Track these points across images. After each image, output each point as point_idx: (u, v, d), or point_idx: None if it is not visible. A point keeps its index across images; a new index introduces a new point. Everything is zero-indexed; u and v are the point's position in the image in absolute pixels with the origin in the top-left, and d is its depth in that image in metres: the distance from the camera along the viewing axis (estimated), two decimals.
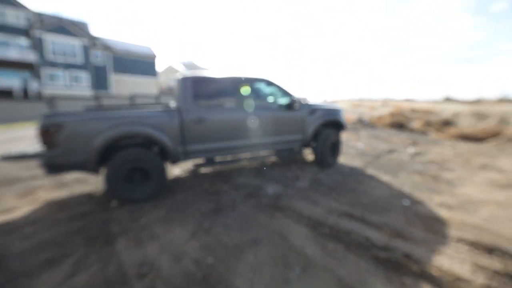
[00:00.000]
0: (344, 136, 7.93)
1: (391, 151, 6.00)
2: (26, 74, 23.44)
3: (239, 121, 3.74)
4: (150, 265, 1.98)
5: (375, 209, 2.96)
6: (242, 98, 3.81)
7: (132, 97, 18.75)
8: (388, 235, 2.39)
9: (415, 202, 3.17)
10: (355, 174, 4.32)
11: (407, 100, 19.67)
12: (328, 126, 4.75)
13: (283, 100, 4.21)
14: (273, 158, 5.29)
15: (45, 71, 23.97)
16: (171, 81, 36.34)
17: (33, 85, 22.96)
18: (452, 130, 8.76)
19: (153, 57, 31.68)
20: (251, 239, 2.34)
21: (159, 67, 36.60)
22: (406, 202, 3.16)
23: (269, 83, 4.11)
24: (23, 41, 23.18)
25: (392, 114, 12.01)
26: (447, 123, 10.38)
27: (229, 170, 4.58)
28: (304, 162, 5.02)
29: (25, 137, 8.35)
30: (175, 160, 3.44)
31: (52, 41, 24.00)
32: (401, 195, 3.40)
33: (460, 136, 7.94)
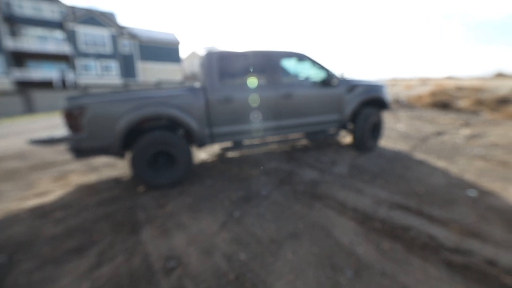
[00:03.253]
0: None
1: (439, 133, 5.24)
2: (63, 65, 24.90)
3: (269, 100, 3.36)
4: (177, 259, 1.78)
5: (434, 200, 2.48)
6: (272, 74, 3.39)
7: (157, 84, 19.12)
8: (459, 234, 1.93)
9: (484, 193, 2.61)
10: (401, 158, 3.77)
11: (449, 78, 17.48)
12: (369, 105, 4.19)
13: (318, 76, 3.72)
14: (305, 141, 4.88)
15: (79, 62, 25.24)
16: (194, 67, 36.49)
17: (70, 76, 24.41)
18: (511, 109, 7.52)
19: (177, 44, 31.73)
20: (289, 232, 2.04)
21: (183, 53, 36.87)
22: (472, 193, 2.61)
23: (302, 57, 3.63)
24: (58, 34, 24.41)
25: (434, 93, 10.70)
26: (504, 101, 8.96)
27: (258, 154, 4.28)
28: (340, 145, 4.54)
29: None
30: (201, 143, 3.21)
31: (84, 32, 24.97)
32: (464, 184, 2.84)
33: None
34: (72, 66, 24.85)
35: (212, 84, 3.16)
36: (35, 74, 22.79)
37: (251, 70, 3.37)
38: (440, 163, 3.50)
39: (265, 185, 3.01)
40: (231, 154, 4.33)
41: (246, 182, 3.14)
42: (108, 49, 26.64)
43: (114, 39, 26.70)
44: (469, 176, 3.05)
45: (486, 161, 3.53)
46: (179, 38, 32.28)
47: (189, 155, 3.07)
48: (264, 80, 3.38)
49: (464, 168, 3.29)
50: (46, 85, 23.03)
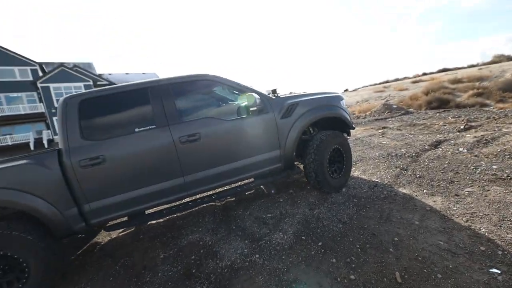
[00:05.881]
0: (363, 133, 5.98)
1: (436, 144, 3.99)
2: (40, 125, 24.06)
3: (163, 149, 2.33)
4: None
5: None
6: (163, 113, 2.39)
7: None
8: None
9: None
10: (377, 198, 2.55)
11: (444, 70, 16.29)
12: (322, 127, 3.11)
13: (237, 103, 2.70)
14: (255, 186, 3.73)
15: (55, 119, 24.98)
16: None
17: (46, 134, 23.43)
18: None
19: None
20: None
21: None
22: (499, 273, 1.37)
23: (211, 82, 2.64)
24: (32, 94, 23.42)
25: (428, 90, 9.53)
26: None
27: (189, 216, 3.14)
28: (302, 185, 3.37)
29: None
30: (67, 231, 2.13)
31: (57, 88, 23.34)
32: (484, 247, 1.60)
33: None
34: (48, 124, 23.88)
35: (70, 142, 2.16)
36: (12, 137, 22.02)
37: (132, 112, 2.41)
38: (434, 201, 2.26)
39: (160, 283, 1.86)
40: (153, 223, 3.21)
41: (140, 277, 2.00)
42: None
43: (89, 89, 25.62)
44: (487, 228, 1.79)
45: (510, 186, 2.27)
46: (160, 75, 32.71)
47: (45, 260, 1.97)
48: (157, 121, 2.37)
49: (475, 211, 2.03)
50: (24, 146, 22.09)
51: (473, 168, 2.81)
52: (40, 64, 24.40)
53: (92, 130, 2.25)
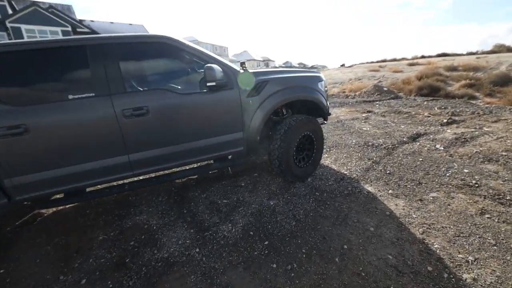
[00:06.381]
0: (347, 115, 5.72)
1: (416, 137, 3.83)
2: None
3: (104, 122, 1.96)
4: None
5: None
6: (106, 79, 1.97)
7: None
8: None
9: None
10: (340, 194, 2.39)
11: (443, 55, 15.73)
12: (298, 110, 2.81)
13: (199, 75, 2.30)
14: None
15: None
16: None
17: None
18: None
19: None
20: None
21: None
22: None
23: (169, 47, 2.17)
24: (2, 35, 19.08)
25: (421, 75, 9.20)
26: (505, 81, 7.47)
27: (144, 191, 2.92)
28: (268, 169, 3.17)
29: None
30: None
31: (31, 31, 19.96)
32: (431, 267, 1.48)
33: None
34: None
35: None
36: None
37: (65, 75, 1.97)
38: (397, 207, 2.12)
39: (90, 271, 1.68)
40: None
41: (66, 263, 1.81)
42: None
43: (67, 35, 23.35)
44: (440, 244, 1.67)
45: (476, 199, 2.15)
46: (149, 29, 29.80)
47: None
48: (93, 90, 1.96)
49: (434, 222, 1.90)
50: None
51: (445, 170, 2.67)
52: (9, 1, 21.10)
53: (10, 92, 1.83)
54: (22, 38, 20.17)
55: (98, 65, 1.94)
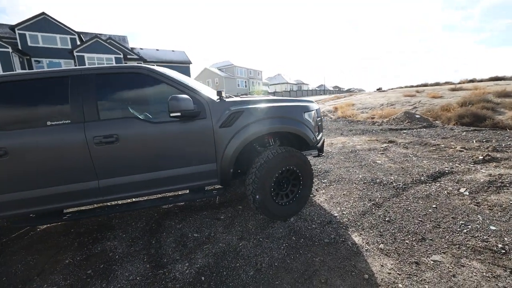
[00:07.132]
0: (365, 145, 5.20)
1: (436, 176, 3.24)
2: None
3: (76, 148, 2.03)
4: None
5: None
6: (81, 106, 2.07)
7: None
8: None
9: None
10: (319, 243, 2.03)
11: (495, 79, 13.78)
12: (285, 141, 2.62)
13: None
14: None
15: None
16: (208, 85, 36.86)
17: None
18: None
19: (186, 62, 31.44)
20: None
21: (195, 71, 36.91)
22: None
23: (144, 77, 2.22)
24: (69, 62, 23.67)
25: (464, 102, 8.15)
26: None
27: (129, 216, 2.92)
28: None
29: None
30: None
31: (91, 58, 23.76)
32: None
33: None
34: None
35: None
36: None
37: (47, 103, 2.12)
38: (382, 270, 1.69)
39: None
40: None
41: (23, 286, 1.82)
42: None
43: (119, 62, 25.10)
44: None
45: (498, 273, 1.62)
46: (189, 55, 32.39)
47: None
48: (70, 117, 2.06)
49: None
50: None
51: (462, 224, 2.14)
52: (79, 34, 25.49)
53: None
54: (84, 64, 23.86)
55: (76, 93, 2.06)
